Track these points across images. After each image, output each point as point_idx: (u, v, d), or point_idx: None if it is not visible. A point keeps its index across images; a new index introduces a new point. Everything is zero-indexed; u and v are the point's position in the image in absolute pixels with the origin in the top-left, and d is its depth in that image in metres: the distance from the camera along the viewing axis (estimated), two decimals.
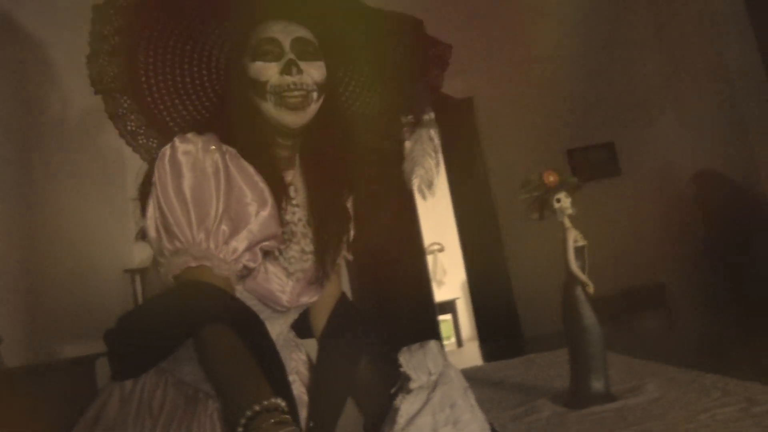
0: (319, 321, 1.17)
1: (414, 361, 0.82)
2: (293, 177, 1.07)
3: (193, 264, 0.85)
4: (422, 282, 4.53)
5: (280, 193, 1.00)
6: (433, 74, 1.09)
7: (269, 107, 0.96)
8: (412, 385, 0.81)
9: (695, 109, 4.28)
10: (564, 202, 1.19)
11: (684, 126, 4.44)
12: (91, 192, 4.10)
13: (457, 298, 6.33)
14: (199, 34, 1.03)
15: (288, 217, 1.03)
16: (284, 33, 0.96)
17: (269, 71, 0.95)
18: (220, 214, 0.88)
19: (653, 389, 1.16)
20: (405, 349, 0.85)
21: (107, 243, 4.28)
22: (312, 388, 1.10)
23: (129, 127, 1.04)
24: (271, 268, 0.99)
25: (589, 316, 1.18)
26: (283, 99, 0.95)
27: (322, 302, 1.17)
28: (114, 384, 0.96)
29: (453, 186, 4.62)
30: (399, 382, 0.84)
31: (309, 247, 1.05)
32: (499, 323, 4.29)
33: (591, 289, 1.18)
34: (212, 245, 0.86)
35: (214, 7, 0.99)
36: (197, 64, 1.06)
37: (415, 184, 1.11)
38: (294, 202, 1.05)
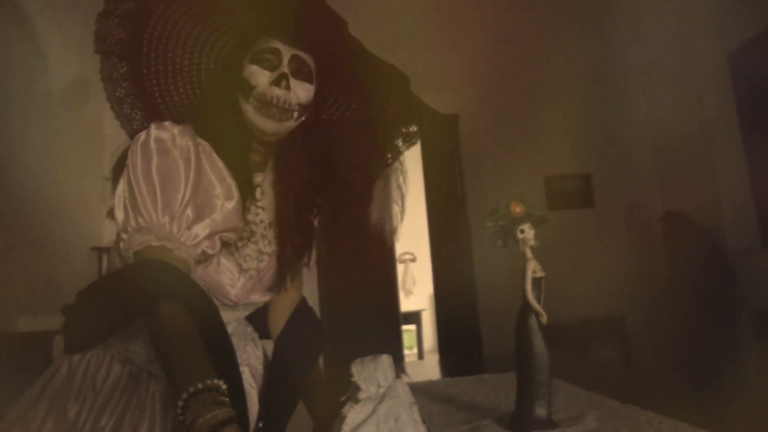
0: (278, 324, 1.20)
1: (365, 373, 0.86)
2: (262, 180, 1.13)
3: (155, 243, 0.88)
4: (390, 290, 4.57)
5: (246, 191, 1.05)
6: (409, 129, 1.14)
7: (249, 110, 1.02)
8: (361, 395, 0.85)
9: (671, 152, 4.41)
10: (528, 233, 1.24)
11: (659, 167, 4.57)
12: (67, 166, 4.06)
13: (423, 310, 6.38)
14: (210, 24, 1.08)
15: (250, 217, 1.08)
16: (287, 48, 1.02)
17: (261, 77, 1.01)
18: (186, 200, 0.93)
19: (592, 421, 1.21)
20: (358, 360, 0.89)
21: (78, 218, 4.24)
22: (264, 389, 1.12)
23: (118, 93, 1.08)
24: (225, 261, 1.04)
25: (539, 344, 1.22)
26: (263, 107, 1.01)
27: (281, 306, 1.21)
28: (64, 358, 0.99)
29: (430, 197, 4.68)
30: (348, 392, 0.88)
31: (266, 249, 1.10)
32: (460, 339, 4.35)
33: (544, 319, 1.23)
34: (175, 229, 0.91)
35: (232, 9, 1.05)
36: (199, 50, 1.11)
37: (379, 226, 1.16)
38: (259, 203, 1.11)
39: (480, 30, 4.73)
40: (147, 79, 1.09)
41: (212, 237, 0.96)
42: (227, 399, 0.79)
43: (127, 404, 0.94)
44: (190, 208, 0.93)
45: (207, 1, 1.05)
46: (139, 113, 1.09)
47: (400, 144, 1.17)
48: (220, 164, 1.01)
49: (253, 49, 1.03)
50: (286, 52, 1.02)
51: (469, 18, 4.74)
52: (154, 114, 1.09)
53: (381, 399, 0.84)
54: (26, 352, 2.58)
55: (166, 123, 0.98)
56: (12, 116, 3.43)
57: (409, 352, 5.88)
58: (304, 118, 1.06)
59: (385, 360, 0.87)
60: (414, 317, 6.10)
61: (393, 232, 1.17)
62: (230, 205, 0.99)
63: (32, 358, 2.57)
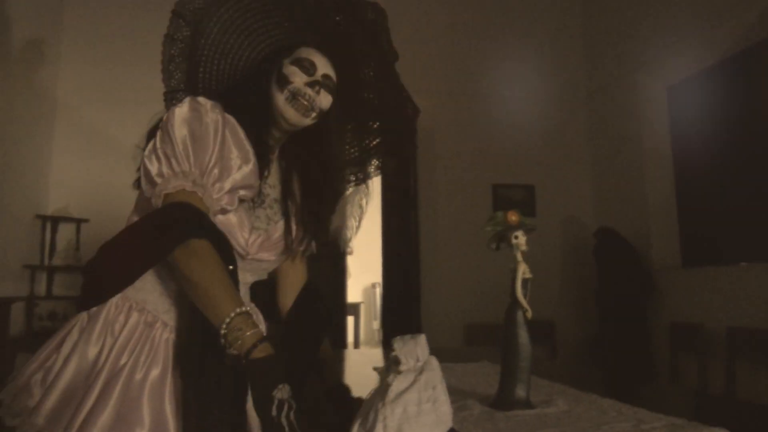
0: (287, 301, 1.34)
1: (406, 348, 1.01)
2: (271, 159, 1.30)
3: (189, 188, 1.04)
4: (338, 282, 4.69)
5: (262, 163, 1.21)
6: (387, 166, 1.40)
7: (281, 98, 1.21)
8: (402, 367, 0.99)
9: (608, 173, 4.79)
10: (520, 239, 1.42)
11: (596, 186, 4.94)
12: (16, 130, 3.92)
13: (362, 303, 6.55)
14: (270, 23, 1.30)
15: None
16: (322, 63, 1.25)
17: (298, 78, 1.22)
18: (214, 160, 1.09)
19: (563, 404, 1.42)
20: (399, 337, 1.03)
21: (23, 184, 4.10)
22: None
23: (172, 51, 1.25)
24: (243, 215, 1.20)
25: (524, 336, 1.41)
26: (295, 98, 1.21)
27: (289, 284, 1.36)
28: (82, 313, 1.09)
29: (386, 193, 4.82)
30: (387, 364, 1.02)
31: (275, 217, 1.27)
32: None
33: (529, 314, 1.42)
34: (205, 180, 1.07)
35: (295, 20, 1.28)
36: (250, 41, 1.31)
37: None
38: (267, 180, 1.27)
39: (444, 35, 4.94)
40: (201, 48, 1.27)
41: (232, 192, 1.11)
42: (255, 322, 0.97)
43: (141, 349, 1.06)
44: (217, 167, 1.09)
45: (279, 7, 1.26)
46: (179, 74, 1.27)
47: (371, 170, 1.40)
48: (242, 135, 1.17)
49: (295, 54, 1.23)
50: (321, 68, 1.24)
51: (436, 22, 4.94)
52: (191, 78, 1.27)
53: (420, 371, 0.98)
54: None
55: (200, 98, 1.14)
56: None
57: None
58: (316, 121, 1.26)
59: (423, 338, 1.03)
60: (352, 309, 6.23)
61: (346, 243, 1.37)
62: (247, 167, 1.15)
63: None
